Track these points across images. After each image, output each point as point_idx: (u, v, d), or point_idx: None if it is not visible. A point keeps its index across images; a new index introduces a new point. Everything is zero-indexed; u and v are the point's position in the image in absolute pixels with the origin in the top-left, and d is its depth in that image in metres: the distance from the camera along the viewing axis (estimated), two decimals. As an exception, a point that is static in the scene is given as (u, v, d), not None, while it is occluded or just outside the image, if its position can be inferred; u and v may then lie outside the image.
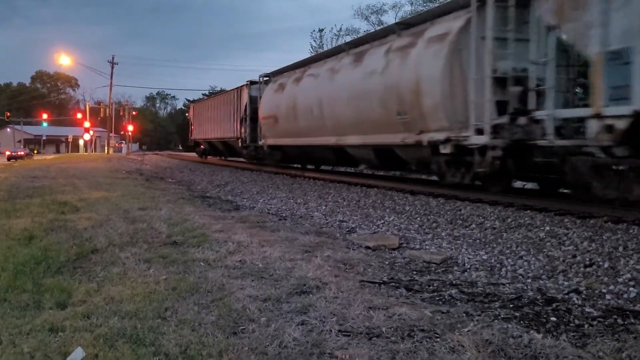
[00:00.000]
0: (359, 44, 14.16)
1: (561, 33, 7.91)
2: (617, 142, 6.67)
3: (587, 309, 4.02)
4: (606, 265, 5.06)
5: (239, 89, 24.51)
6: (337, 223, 8.40)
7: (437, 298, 4.30)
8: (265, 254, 5.48)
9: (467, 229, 7.32)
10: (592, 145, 7.02)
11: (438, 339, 3.19)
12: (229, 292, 4.11)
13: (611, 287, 4.52)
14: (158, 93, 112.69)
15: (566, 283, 4.74)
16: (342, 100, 13.73)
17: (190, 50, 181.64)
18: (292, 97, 17.09)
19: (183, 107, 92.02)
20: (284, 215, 9.45)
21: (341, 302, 3.88)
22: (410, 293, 4.42)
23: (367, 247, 6.33)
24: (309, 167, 20.38)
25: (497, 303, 4.18)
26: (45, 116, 68.74)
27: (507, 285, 4.76)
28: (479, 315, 3.78)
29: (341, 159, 16.30)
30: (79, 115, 64.91)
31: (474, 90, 9.14)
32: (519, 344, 3.13)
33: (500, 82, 8.89)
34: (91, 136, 61.68)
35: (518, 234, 6.64)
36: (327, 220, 8.76)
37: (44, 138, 72.44)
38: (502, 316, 3.82)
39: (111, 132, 57.25)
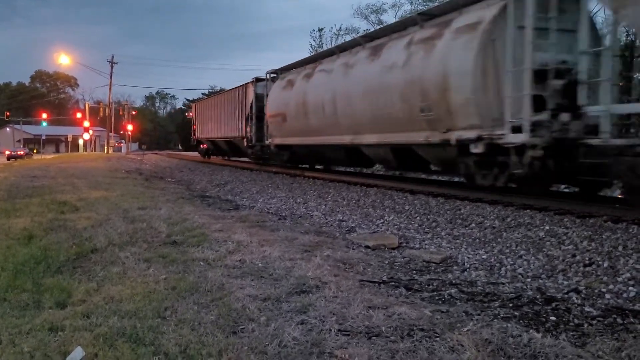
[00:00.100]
0: (375, 37, 13.32)
1: (620, 19, 7.35)
2: None
3: (587, 309, 4.02)
4: (606, 264, 5.06)
5: (244, 87, 23.70)
6: (337, 222, 8.40)
7: (436, 297, 4.31)
8: (265, 254, 5.49)
9: (467, 228, 7.33)
10: None
11: (437, 339, 3.19)
12: (228, 291, 4.11)
13: (611, 286, 4.52)
14: (157, 93, 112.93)
15: (566, 282, 4.74)
16: (357, 96, 12.87)
17: (190, 49, 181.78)
18: (302, 94, 16.18)
19: (183, 107, 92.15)
20: (283, 214, 9.45)
21: (341, 302, 3.88)
22: (409, 292, 4.42)
23: (367, 247, 6.33)
24: (318, 167, 19.50)
25: (496, 302, 4.18)
26: (44, 116, 68.71)
27: (507, 284, 4.76)
28: (479, 315, 3.78)
29: (355, 159, 15.37)
30: (79, 115, 64.90)
31: (510, 84, 8.40)
32: (519, 343, 3.13)
33: (538, 75, 8.17)
34: (91, 136, 61.67)
35: (518, 233, 6.64)
36: (326, 219, 8.76)
37: (44, 138, 72.39)
38: (501, 315, 3.82)
39: (111, 132, 57.22)
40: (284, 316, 3.58)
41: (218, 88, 67.76)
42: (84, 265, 5.10)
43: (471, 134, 9.18)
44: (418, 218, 8.31)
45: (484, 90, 8.91)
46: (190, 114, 41.89)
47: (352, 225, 8.08)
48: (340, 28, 50.80)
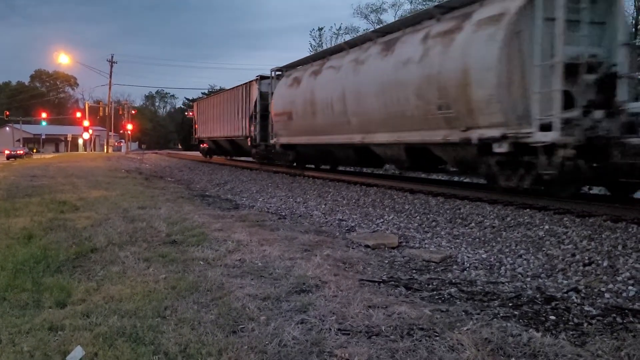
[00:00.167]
0: (387, 32, 12.66)
1: None
2: None
3: (586, 308, 4.02)
4: (605, 264, 5.06)
5: (248, 84, 22.99)
6: (337, 222, 8.40)
7: (436, 297, 4.31)
8: (265, 253, 5.49)
9: (467, 227, 7.33)
10: None
11: (437, 338, 3.20)
12: (228, 291, 4.11)
13: (610, 285, 4.52)
14: (157, 92, 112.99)
15: (565, 282, 4.75)
16: (369, 93, 12.23)
17: (190, 48, 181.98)
18: (310, 92, 15.53)
19: (182, 106, 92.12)
20: (283, 214, 9.45)
21: (340, 301, 3.89)
22: (409, 292, 4.42)
23: (367, 246, 6.33)
24: (323, 167, 19.01)
25: (496, 302, 4.19)
26: (44, 115, 68.75)
27: (507, 284, 4.76)
28: (478, 314, 3.79)
29: (365, 159, 14.67)
30: (78, 114, 64.83)
31: (539, 79, 7.89)
32: (518, 343, 3.14)
33: (568, 70, 7.73)
34: (90, 135, 61.65)
35: (517, 233, 6.64)
36: (326, 219, 8.76)
37: (43, 137, 72.35)
38: (501, 315, 3.82)
39: (110, 131, 57.22)
40: (283, 315, 3.59)
41: (218, 87, 67.89)
42: (84, 265, 5.10)
43: (494, 133, 8.62)
44: (418, 217, 8.31)
45: (509, 85, 8.37)
46: (191, 114, 41.64)
47: (352, 225, 8.08)
48: (340, 27, 50.87)
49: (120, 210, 8.64)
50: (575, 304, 4.13)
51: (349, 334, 3.26)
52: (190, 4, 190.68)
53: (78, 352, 2.92)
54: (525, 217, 7.31)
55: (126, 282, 4.35)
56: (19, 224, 7.21)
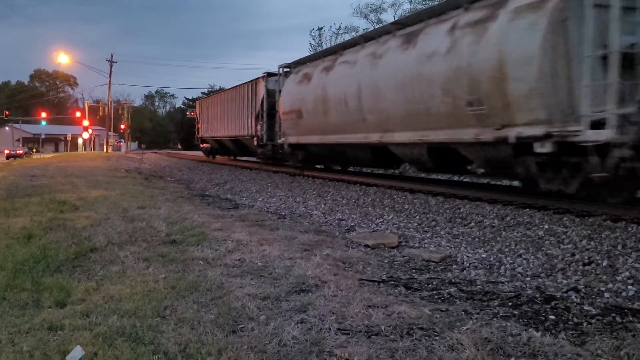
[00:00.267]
0: (407, 24, 11.77)
1: None
2: None
3: (586, 307, 4.02)
4: (605, 263, 5.06)
5: (255, 82, 22.02)
6: (336, 221, 8.40)
7: (436, 296, 4.31)
8: (265, 253, 5.49)
9: (466, 227, 7.33)
10: None
11: (437, 337, 3.20)
12: (228, 290, 4.11)
13: (610, 285, 4.53)
14: (157, 92, 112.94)
15: (565, 281, 4.75)
16: (388, 89, 11.38)
17: (189, 48, 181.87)
18: (321, 89, 14.69)
19: (182, 106, 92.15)
20: (283, 213, 9.45)
21: (340, 301, 3.89)
22: (409, 291, 4.42)
23: (366, 246, 6.33)
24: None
25: (495, 301, 4.19)
26: (44, 115, 68.71)
27: (506, 283, 4.77)
28: (478, 314, 3.79)
29: (382, 160, 13.82)
30: (78, 114, 64.75)
31: (589, 71, 7.17)
32: (518, 342, 3.14)
33: (624, 60, 7.00)
34: (90, 135, 61.67)
35: (517, 232, 6.64)
36: (326, 218, 8.76)
37: (43, 137, 72.39)
38: (500, 314, 3.82)
39: (110, 131, 57.21)
40: (283, 315, 3.59)
41: (217, 87, 67.81)
42: (84, 265, 5.10)
43: (536, 131, 7.81)
44: (417, 217, 8.31)
45: (553, 78, 7.56)
46: (192, 113, 41.40)
47: (352, 224, 8.08)
48: (339, 27, 50.83)
49: (120, 210, 8.64)
50: (575, 304, 4.13)
51: (348, 334, 3.26)
52: (190, 4, 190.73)
53: (77, 351, 2.92)
54: (525, 217, 7.32)
55: (126, 282, 4.35)
56: (19, 223, 7.21)
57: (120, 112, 64.30)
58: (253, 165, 22.31)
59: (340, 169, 18.03)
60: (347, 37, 33.15)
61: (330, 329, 3.33)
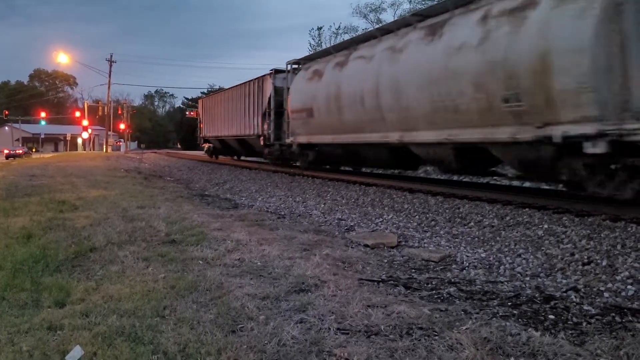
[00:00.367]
0: (429, 15, 10.93)
1: None
2: None
3: (585, 307, 4.03)
4: (604, 263, 5.07)
5: (261, 79, 20.99)
6: (336, 221, 8.40)
7: (435, 296, 4.31)
8: (264, 252, 5.49)
9: (466, 227, 7.33)
10: None
11: (436, 337, 3.20)
12: (227, 290, 4.11)
13: (609, 285, 4.53)
14: (157, 91, 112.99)
15: (564, 281, 4.75)
16: (410, 85, 10.60)
17: (189, 48, 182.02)
18: (334, 86, 13.88)
19: (182, 106, 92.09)
20: (282, 213, 9.45)
21: (340, 300, 3.89)
22: (408, 291, 4.42)
23: (366, 245, 6.33)
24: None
25: (495, 301, 4.19)
26: (43, 114, 68.71)
27: (506, 283, 4.77)
28: (477, 313, 3.79)
29: (401, 161, 13.01)
30: (78, 114, 64.79)
31: None
32: (517, 342, 3.14)
33: None
34: (89, 134, 61.63)
35: (516, 232, 6.65)
36: (325, 218, 8.76)
37: (42, 136, 72.40)
38: (500, 314, 3.82)
39: (109, 131, 57.20)
40: (283, 315, 3.59)
41: (217, 87, 67.79)
42: (83, 264, 5.09)
43: (586, 129, 7.05)
44: (417, 217, 8.32)
45: (607, 71, 6.83)
46: (192, 113, 41.23)
47: (351, 224, 8.08)
48: (339, 27, 50.86)
49: (120, 209, 8.63)
50: (574, 303, 4.13)
51: (348, 334, 3.26)
52: (190, 4, 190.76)
53: (77, 351, 2.92)
54: (525, 217, 7.32)
55: (125, 282, 4.35)
56: (18, 223, 7.20)
57: (119, 112, 64.31)
58: (253, 165, 22.30)
59: (351, 169, 17.48)
60: (347, 37, 33.17)
61: (329, 328, 3.33)
